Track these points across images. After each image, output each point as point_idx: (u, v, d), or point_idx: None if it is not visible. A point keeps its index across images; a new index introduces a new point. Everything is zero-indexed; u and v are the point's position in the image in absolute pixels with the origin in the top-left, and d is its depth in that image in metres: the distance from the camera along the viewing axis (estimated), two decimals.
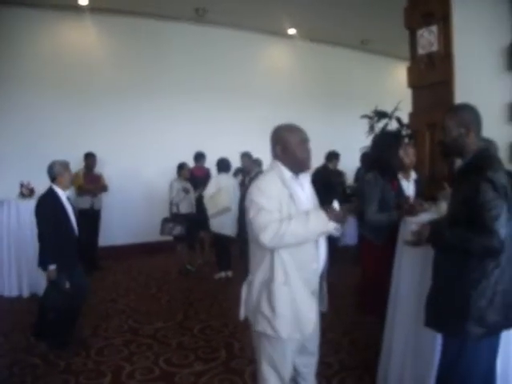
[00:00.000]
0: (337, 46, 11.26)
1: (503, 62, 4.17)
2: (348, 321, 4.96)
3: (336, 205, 2.58)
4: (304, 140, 2.65)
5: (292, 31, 10.49)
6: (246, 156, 7.79)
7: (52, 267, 4.19)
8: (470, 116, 2.47)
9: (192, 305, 5.82)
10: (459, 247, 2.31)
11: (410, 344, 3.15)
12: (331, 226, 2.53)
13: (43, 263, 4.23)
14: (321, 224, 2.48)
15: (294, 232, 2.41)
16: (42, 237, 4.26)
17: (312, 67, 11.03)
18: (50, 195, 4.36)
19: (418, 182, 4.11)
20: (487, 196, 2.19)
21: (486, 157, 2.39)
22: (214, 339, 4.66)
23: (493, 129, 3.77)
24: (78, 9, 8.40)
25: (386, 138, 4.13)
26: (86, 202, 7.52)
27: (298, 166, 2.63)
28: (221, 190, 6.79)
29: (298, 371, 2.81)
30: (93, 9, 8.50)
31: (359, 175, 7.83)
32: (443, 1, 4.67)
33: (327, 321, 4.23)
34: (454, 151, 2.51)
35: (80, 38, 8.76)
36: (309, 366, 2.84)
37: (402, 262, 3.25)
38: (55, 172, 4.39)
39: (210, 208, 6.85)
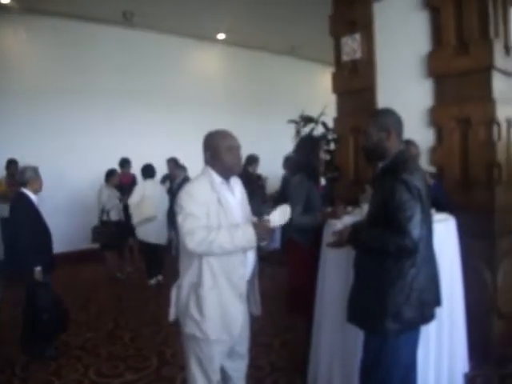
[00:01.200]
0: (266, 52, 11.41)
1: (422, 69, 4.35)
2: (279, 323, 5.02)
3: (273, 216, 2.64)
4: (233, 146, 2.69)
5: (221, 36, 10.51)
6: (171, 162, 7.76)
7: (38, 268, 4.16)
8: (390, 120, 2.57)
9: (122, 313, 5.72)
10: (376, 247, 2.42)
11: (336, 343, 3.24)
12: (261, 242, 2.61)
13: (26, 266, 4.18)
14: (247, 241, 2.53)
15: (220, 244, 2.46)
16: (19, 240, 4.22)
17: (242, 72, 11.11)
18: (24, 198, 4.36)
19: (326, 187, 4.21)
20: (402, 197, 2.29)
21: (402, 159, 2.50)
22: (146, 347, 4.60)
23: (414, 133, 3.98)
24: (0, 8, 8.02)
25: (308, 141, 4.23)
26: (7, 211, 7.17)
27: (226, 171, 2.68)
28: (145, 198, 6.74)
29: (229, 375, 2.85)
30: (16, 8, 8.11)
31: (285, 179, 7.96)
32: (365, 9, 4.81)
33: (259, 324, 4.28)
34: (377, 155, 2.60)
35: (2, 39, 8.36)
36: (239, 370, 2.89)
37: (326, 263, 3.34)
38: (27, 177, 4.39)
39: (135, 216, 6.79)
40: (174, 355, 4.29)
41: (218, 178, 2.65)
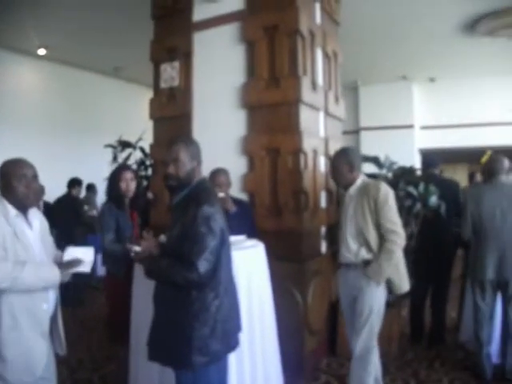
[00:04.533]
0: (89, 71, 10.98)
1: (237, 100, 4.55)
2: (101, 355, 4.77)
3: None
4: (26, 175, 2.54)
5: (42, 52, 9.86)
6: None
7: None
8: (198, 149, 2.61)
9: None
10: (164, 278, 2.41)
11: (154, 374, 3.15)
12: (64, 277, 2.53)
13: None
14: (52, 280, 2.47)
15: (25, 280, 2.33)
16: None
17: (63, 91, 10.48)
18: None
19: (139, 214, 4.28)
20: (200, 229, 2.29)
21: (203, 189, 2.51)
22: None
23: (228, 160, 4.13)
24: None
25: (114, 170, 4.28)
26: None
27: (19, 203, 2.52)
28: None
29: None
30: None
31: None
32: (186, 38, 4.89)
33: (77, 359, 4.07)
34: (184, 184, 2.53)
35: None
36: None
37: (139, 291, 3.28)
38: None
39: None
40: None
41: (12, 211, 2.49)
